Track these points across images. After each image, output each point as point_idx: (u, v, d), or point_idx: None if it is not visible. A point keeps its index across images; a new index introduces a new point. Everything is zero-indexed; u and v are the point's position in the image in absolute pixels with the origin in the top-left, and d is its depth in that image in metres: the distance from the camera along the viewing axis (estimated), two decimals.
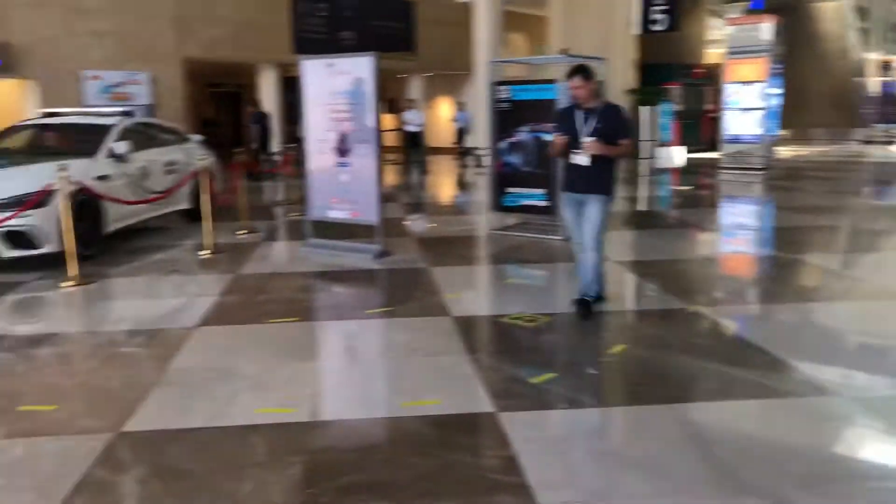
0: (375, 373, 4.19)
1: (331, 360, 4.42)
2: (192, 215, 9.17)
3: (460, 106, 20.21)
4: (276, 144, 15.42)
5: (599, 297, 5.15)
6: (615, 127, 4.84)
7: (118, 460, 3.07)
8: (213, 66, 20.00)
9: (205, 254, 7.42)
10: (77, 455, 3.10)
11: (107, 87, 15.68)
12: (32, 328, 5.10)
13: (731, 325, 5.00)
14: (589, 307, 4.95)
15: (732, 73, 16.11)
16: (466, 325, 4.92)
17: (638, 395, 3.79)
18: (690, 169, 16.53)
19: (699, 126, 22.29)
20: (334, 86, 7.12)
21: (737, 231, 9.32)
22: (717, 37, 22.86)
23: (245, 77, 22.40)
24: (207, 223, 7.53)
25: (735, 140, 16.10)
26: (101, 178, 7.39)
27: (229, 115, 26.13)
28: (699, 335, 4.77)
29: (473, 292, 6.19)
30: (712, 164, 16.84)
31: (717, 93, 18.35)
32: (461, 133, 19.85)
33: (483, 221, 9.34)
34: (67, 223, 6.17)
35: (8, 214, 6.28)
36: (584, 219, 4.91)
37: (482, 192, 13.13)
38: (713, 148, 18.40)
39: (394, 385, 3.95)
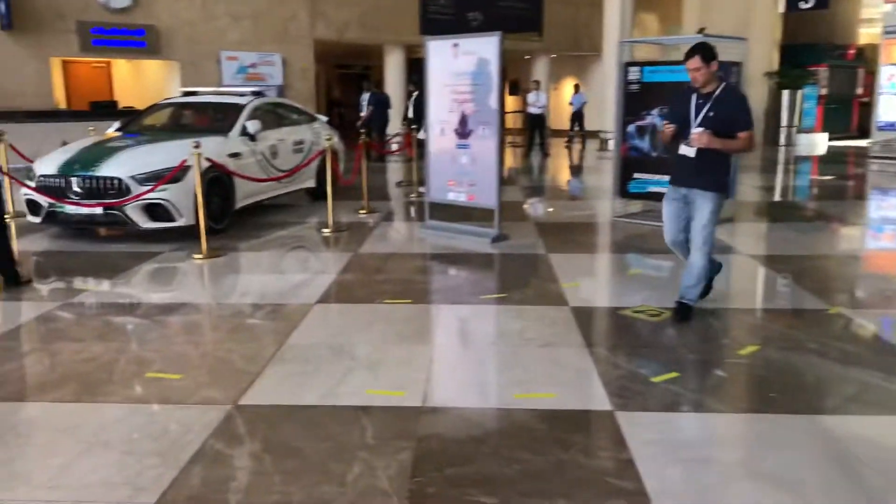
0: (488, 360, 4.09)
1: (443, 345, 4.36)
2: (316, 193, 9.42)
3: (576, 88, 19.63)
4: (397, 126, 15.59)
5: (708, 286, 4.85)
6: (732, 116, 4.29)
7: (234, 433, 3.14)
8: (342, 48, 20.49)
9: (327, 232, 7.58)
10: (197, 425, 3.19)
11: (242, 68, 16.39)
12: (165, 297, 5.36)
13: (877, 330, 4.53)
14: (688, 312, 4.56)
15: (889, 55, 14.74)
16: (585, 316, 4.73)
17: (770, 402, 3.49)
18: (834, 157, 15.33)
19: (847, 112, 20.64)
20: (458, 66, 7.03)
21: (885, 226, 8.52)
22: (872, 15, 20.99)
23: (372, 58, 22.83)
24: (330, 202, 7.68)
25: (890, 127, 14.77)
26: (233, 155, 7.68)
27: (355, 97, 26.77)
28: (841, 339, 4.35)
29: (593, 281, 5.97)
30: (860, 152, 15.55)
31: (871, 76, 16.87)
32: (576, 116, 19.28)
33: (606, 207, 9.02)
34: (200, 198, 6.45)
35: (147, 188, 6.66)
36: (690, 217, 4.46)
37: (606, 177, 12.75)
38: (864, 135, 16.97)
39: (507, 375, 3.84)
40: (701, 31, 9.12)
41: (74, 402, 3.46)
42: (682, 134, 4.40)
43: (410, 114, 14.81)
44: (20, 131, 12.67)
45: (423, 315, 4.89)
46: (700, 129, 4.25)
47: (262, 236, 7.43)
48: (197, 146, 6.40)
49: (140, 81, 17.45)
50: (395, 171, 13.69)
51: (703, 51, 4.27)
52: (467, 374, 3.90)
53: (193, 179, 6.53)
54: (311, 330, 4.49)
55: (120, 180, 6.75)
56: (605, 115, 17.19)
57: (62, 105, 15.66)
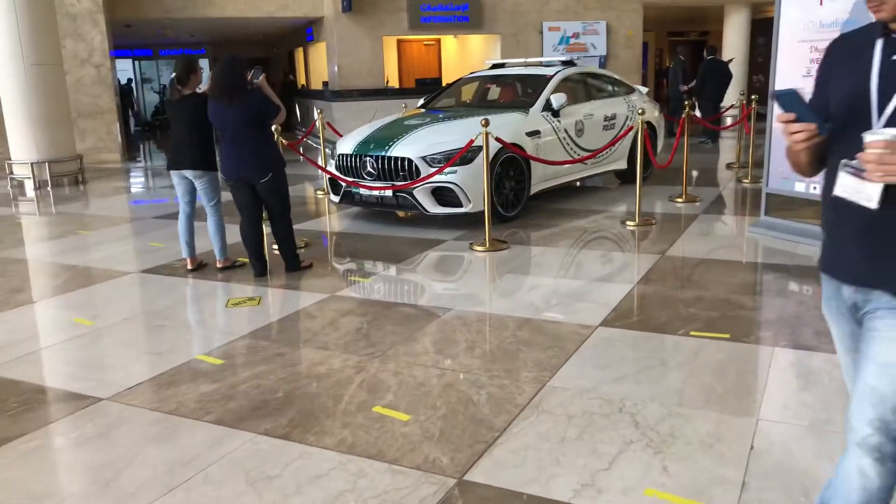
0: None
1: (776, 421, 2.96)
2: (627, 176, 8.22)
3: None
4: (734, 97, 13.47)
5: None
6: None
7: None
8: (676, 12, 18.59)
9: (631, 225, 6.38)
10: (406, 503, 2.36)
11: (565, 38, 15.56)
12: (431, 296, 4.70)
13: None
14: None
15: None
16: None
17: None
18: None
19: None
20: (823, 15, 5.27)
21: None
22: None
23: (709, 22, 20.49)
24: (639, 188, 6.45)
25: None
26: (532, 133, 6.83)
27: (691, 66, 24.44)
28: None
29: None
30: None
31: None
32: None
33: None
34: (486, 183, 5.71)
35: (435, 170, 6.11)
36: (865, 353, 1.66)
37: None
38: None
39: None
40: None
41: (283, 438, 2.86)
42: (838, 151, 1.68)
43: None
44: (353, 109, 13.49)
45: (746, 361, 3.51)
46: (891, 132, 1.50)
47: (555, 226, 6.49)
48: (486, 124, 5.64)
49: (464, 57, 17.58)
50: (726, 150, 11.79)
51: None
52: (816, 486, 2.50)
53: (482, 162, 5.83)
54: (585, 366, 3.43)
55: (410, 161, 6.30)
56: None
57: (392, 83, 16.41)
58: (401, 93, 13.88)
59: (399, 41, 17.25)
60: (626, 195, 7.69)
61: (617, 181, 8.57)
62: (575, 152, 7.36)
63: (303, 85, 19.19)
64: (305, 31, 16.71)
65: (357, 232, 6.64)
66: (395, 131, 6.79)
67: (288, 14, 14.62)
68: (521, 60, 8.68)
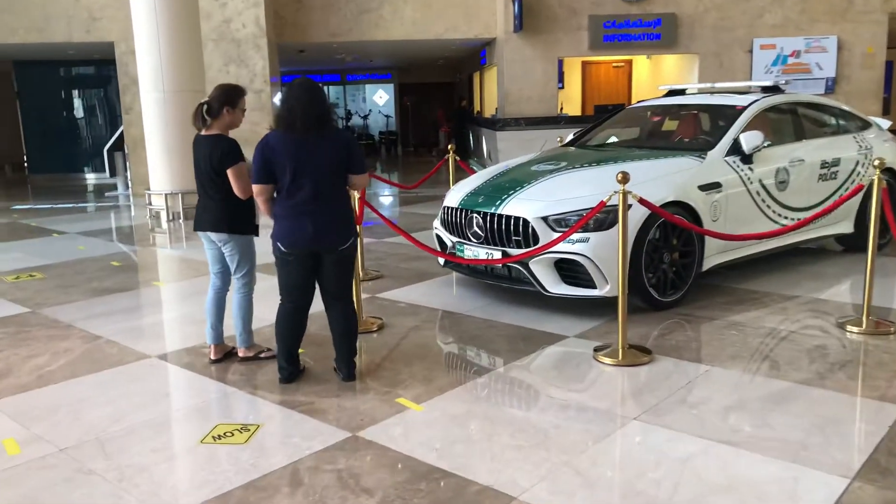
0: None
1: None
2: (854, 241, 5.93)
3: None
4: None
5: None
6: None
7: None
8: None
9: (853, 331, 4.21)
10: None
11: (781, 57, 12.92)
12: (499, 455, 2.97)
13: None
14: None
15: None
16: None
17: None
18: None
19: None
20: None
21: None
22: None
23: None
24: (868, 275, 4.27)
25: None
26: (708, 187, 4.89)
27: None
28: None
29: None
30: None
31: None
32: None
33: None
34: (622, 258, 3.89)
35: (559, 235, 4.40)
36: None
37: None
38: None
39: None
40: None
41: None
42: None
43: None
44: (519, 138, 12.03)
45: None
46: None
47: (729, 320, 4.48)
48: (623, 180, 3.84)
49: (657, 80, 15.38)
50: None
51: None
52: None
53: (632, 226, 4.14)
54: None
55: (526, 222, 4.64)
56: None
57: (573, 110, 14.70)
58: (576, 121, 12.14)
59: (584, 63, 15.48)
60: (849, 272, 5.45)
61: (839, 246, 6.26)
62: (774, 212, 5.30)
63: (478, 111, 18.04)
64: (480, 55, 15.50)
65: (454, 311, 5.03)
66: (515, 180, 5.15)
67: (458, 36, 13.46)
68: (707, 86, 6.62)
